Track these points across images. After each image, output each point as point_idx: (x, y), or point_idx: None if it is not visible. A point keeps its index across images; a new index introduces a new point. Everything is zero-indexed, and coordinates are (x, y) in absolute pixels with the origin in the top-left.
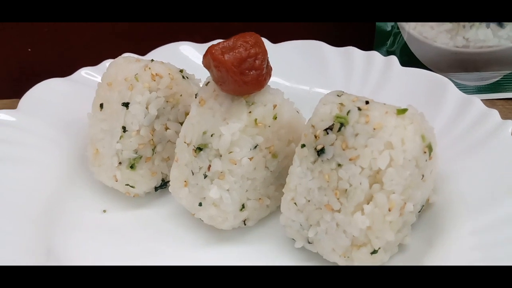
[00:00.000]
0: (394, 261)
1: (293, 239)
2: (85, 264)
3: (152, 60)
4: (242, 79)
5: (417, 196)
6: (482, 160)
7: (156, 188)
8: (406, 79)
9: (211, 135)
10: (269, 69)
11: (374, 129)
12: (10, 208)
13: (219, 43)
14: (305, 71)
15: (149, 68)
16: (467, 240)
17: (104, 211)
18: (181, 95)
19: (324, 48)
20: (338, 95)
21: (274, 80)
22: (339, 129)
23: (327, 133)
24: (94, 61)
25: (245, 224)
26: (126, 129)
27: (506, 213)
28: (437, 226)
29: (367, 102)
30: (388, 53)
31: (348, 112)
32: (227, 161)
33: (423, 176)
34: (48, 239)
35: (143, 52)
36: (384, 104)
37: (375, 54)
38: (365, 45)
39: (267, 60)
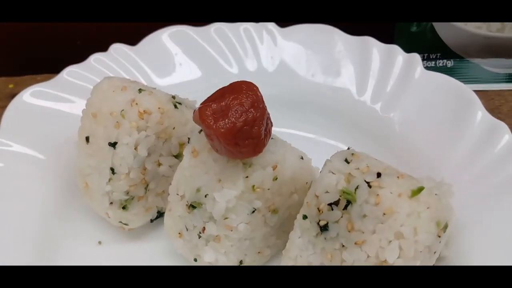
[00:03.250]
0: None
1: None
2: None
3: (140, 90)
4: (237, 150)
5: None
6: (505, 208)
7: (151, 220)
8: (429, 86)
9: (205, 196)
10: (268, 129)
11: (384, 214)
12: None
13: (210, 103)
14: (320, 63)
15: (136, 104)
16: None
17: (100, 242)
18: (173, 128)
19: (336, 36)
20: (347, 161)
21: (286, 64)
22: (345, 207)
23: (332, 209)
24: (79, 52)
25: None
26: (115, 171)
27: None
28: None
29: (379, 175)
30: (411, 36)
31: (357, 188)
32: (222, 227)
33: (435, 252)
34: None
35: (133, 42)
36: (398, 178)
37: (395, 50)
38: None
39: (267, 118)
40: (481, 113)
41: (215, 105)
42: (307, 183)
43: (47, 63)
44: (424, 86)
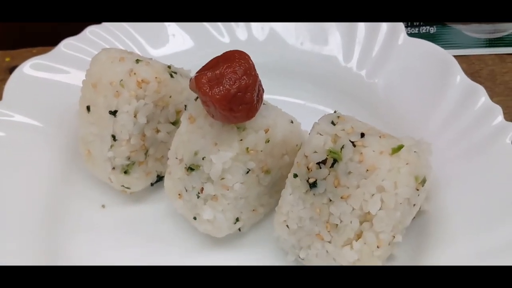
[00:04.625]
0: None
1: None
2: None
3: (137, 60)
4: (232, 115)
5: (407, 222)
6: (483, 166)
7: (152, 184)
8: (412, 53)
9: (203, 158)
10: (260, 95)
11: (367, 170)
12: (3, 217)
13: (205, 72)
14: (302, 31)
15: (134, 74)
16: (460, 260)
17: (103, 206)
18: (170, 96)
19: None
20: (333, 123)
21: (273, 34)
22: (332, 165)
23: (320, 167)
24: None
25: (239, 230)
26: (116, 138)
27: (507, 239)
28: (428, 236)
29: (362, 135)
30: None
31: (342, 147)
32: (219, 187)
33: (414, 205)
34: (45, 239)
35: None
36: (380, 137)
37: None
38: None
39: (259, 85)
40: (459, 76)
41: (210, 73)
42: (297, 145)
43: (41, 37)
44: (407, 53)
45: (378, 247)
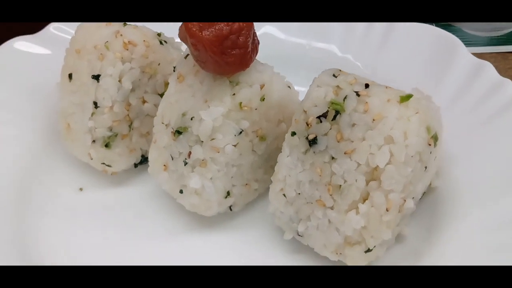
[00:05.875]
0: (391, 252)
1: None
2: (59, 251)
3: (125, 24)
4: (224, 60)
5: (418, 189)
6: (492, 139)
7: (135, 165)
8: (413, 35)
9: (191, 118)
10: (255, 45)
11: (373, 120)
12: None
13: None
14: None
15: (121, 35)
16: (473, 237)
17: (81, 189)
18: (159, 64)
19: None
20: (334, 75)
21: (267, 30)
22: (334, 117)
23: (321, 121)
24: None
25: (231, 210)
26: (98, 105)
27: None
28: (439, 214)
29: (367, 86)
30: None
31: (345, 98)
32: (208, 149)
33: (426, 167)
34: (19, 224)
35: None
36: (387, 88)
37: None
38: None
39: (254, 33)
40: (465, 52)
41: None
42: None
43: None
44: (409, 36)
45: (387, 210)
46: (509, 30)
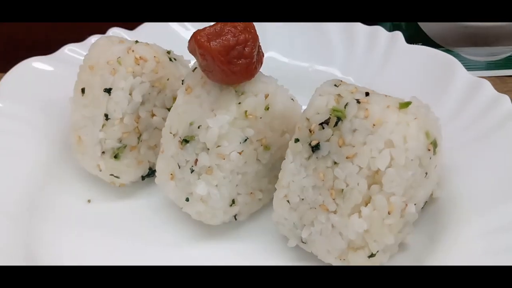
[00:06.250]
0: (394, 261)
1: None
2: (66, 261)
3: (137, 41)
4: (230, 69)
5: (419, 195)
6: (491, 151)
7: (143, 177)
8: (412, 57)
9: (198, 127)
10: (260, 57)
11: (373, 125)
12: None
13: (205, 28)
14: (305, 46)
15: (133, 51)
16: (475, 242)
17: (89, 201)
18: (168, 79)
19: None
20: (335, 85)
21: (270, 55)
22: (336, 124)
23: (323, 128)
24: (81, 35)
25: (236, 219)
26: (109, 117)
27: None
28: (441, 223)
29: (367, 94)
30: (393, 26)
31: (346, 105)
32: (214, 156)
33: (426, 173)
34: (27, 235)
35: (131, 26)
36: (386, 96)
37: (379, 30)
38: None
39: (258, 46)
40: (462, 71)
41: (208, 29)
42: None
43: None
44: (408, 57)
45: (389, 213)
46: (506, 55)
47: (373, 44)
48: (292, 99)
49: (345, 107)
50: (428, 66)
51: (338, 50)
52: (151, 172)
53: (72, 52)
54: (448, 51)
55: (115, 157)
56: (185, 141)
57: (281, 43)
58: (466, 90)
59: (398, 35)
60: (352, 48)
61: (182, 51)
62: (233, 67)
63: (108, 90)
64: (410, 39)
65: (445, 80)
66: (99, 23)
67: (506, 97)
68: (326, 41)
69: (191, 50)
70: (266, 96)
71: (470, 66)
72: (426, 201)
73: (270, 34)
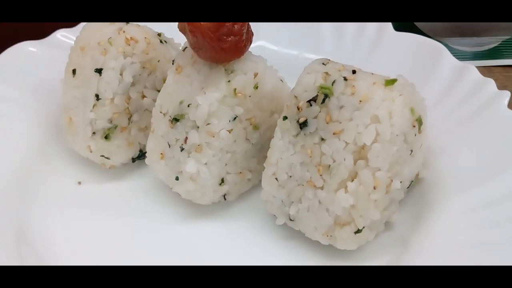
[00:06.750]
0: (380, 239)
1: (274, 215)
2: (57, 242)
3: (128, 22)
4: (220, 46)
5: (405, 172)
6: (476, 133)
7: (133, 159)
8: (400, 44)
9: (188, 105)
10: (249, 35)
11: (360, 101)
12: None
13: None
14: (294, 34)
15: (124, 32)
16: (458, 219)
17: (79, 182)
18: (158, 61)
19: None
20: (323, 64)
21: (260, 44)
22: (323, 101)
23: (311, 105)
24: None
25: (225, 199)
26: (100, 97)
27: (500, 191)
28: (427, 203)
29: (354, 72)
30: None
31: (333, 82)
32: (204, 133)
33: (411, 151)
34: (19, 215)
35: None
36: (373, 74)
37: None
38: None
39: (248, 25)
40: (449, 57)
41: None
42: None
43: None
44: (396, 45)
45: (374, 188)
46: (492, 46)
47: (362, 32)
48: (281, 80)
49: (332, 84)
50: (416, 53)
51: (327, 38)
52: (142, 155)
53: (64, 37)
54: (436, 41)
55: (106, 137)
56: (175, 119)
57: (271, 31)
58: (452, 74)
59: (387, 23)
60: (341, 35)
61: (172, 34)
62: (223, 43)
63: (99, 71)
64: (398, 29)
65: (432, 66)
66: None
67: (491, 81)
68: (315, 29)
69: (181, 28)
70: (255, 75)
71: (457, 56)
72: (412, 181)
73: (260, 23)
